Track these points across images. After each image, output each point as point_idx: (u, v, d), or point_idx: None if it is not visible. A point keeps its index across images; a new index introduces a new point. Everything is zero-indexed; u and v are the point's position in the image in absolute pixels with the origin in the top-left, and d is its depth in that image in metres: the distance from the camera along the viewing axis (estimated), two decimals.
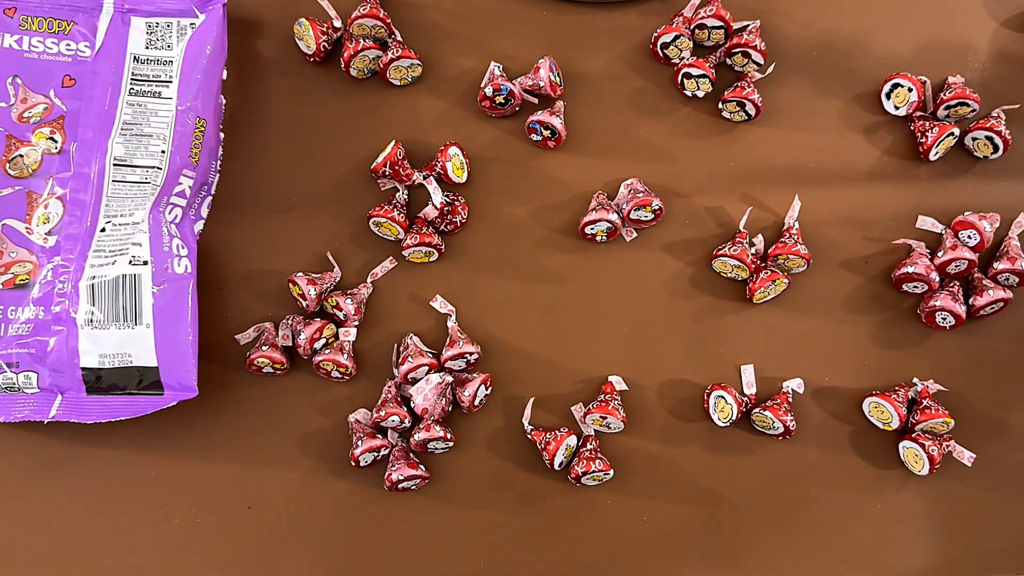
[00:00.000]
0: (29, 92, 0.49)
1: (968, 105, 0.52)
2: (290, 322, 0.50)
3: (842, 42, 0.54)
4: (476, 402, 0.49)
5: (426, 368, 0.49)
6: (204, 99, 0.49)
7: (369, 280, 0.51)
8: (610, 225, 0.50)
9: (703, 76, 0.52)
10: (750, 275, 0.51)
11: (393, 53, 0.51)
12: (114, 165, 0.48)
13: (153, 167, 0.48)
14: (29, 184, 0.49)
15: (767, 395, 0.50)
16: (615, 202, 0.52)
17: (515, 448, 0.50)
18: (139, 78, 0.50)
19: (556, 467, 0.49)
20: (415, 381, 0.49)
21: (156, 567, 0.48)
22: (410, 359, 0.49)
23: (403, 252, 0.51)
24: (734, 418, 0.49)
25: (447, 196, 0.51)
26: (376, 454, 0.48)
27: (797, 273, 0.51)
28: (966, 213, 0.51)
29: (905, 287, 0.51)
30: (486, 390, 0.49)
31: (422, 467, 0.48)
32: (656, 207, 0.50)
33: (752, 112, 0.52)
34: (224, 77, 0.51)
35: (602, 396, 0.49)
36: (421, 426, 0.48)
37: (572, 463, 0.49)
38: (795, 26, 0.54)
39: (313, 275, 0.50)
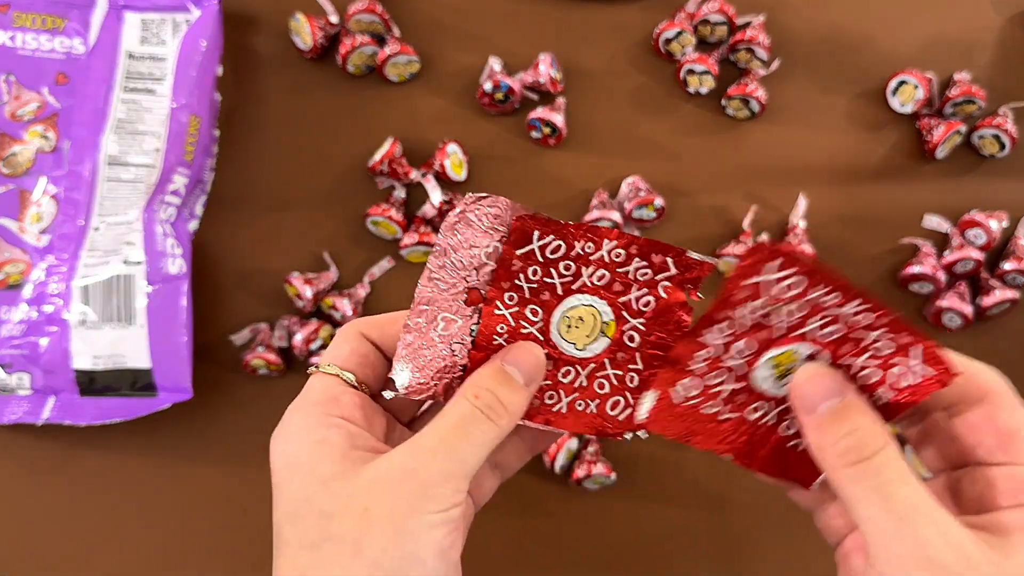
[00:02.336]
0: (22, 90, 0.49)
1: (974, 102, 0.51)
2: (286, 323, 0.49)
3: (847, 38, 0.54)
4: None
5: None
6: (199, 96, 0.49)
7: (366, 280, 0.50)
8: (612, 224, 0.49)
9: (706, 72, 0.51)
10: None
11: (391, 49, 0.51)
12: (108, 163, 0.48)
13: (147, 165, 0.48)
14: (22, 182, 0.48)
15: None
16: (617, 200, 0.51)
17: None
18: (133, 75, 0.49)
19: (557, 471, 0.48)
20: None
21: (151, 570, 0.48)
22: None
23: (401, 251, 0.50)
24: None
25: (446, 194, 0.50)
26: None
27: None
28: (973, 212, 0.50)
29: (911, 287, 0.51)
30: None
31: None
32: (658, 206, 0.50)
33: (756, 109, 0.52)
34: (219, 73, 0.51)
35: None
36: None
37: (573, 467, 0.48)
38: (800, 22, 0.54)
39: (310, 275, 0.49)
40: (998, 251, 0.51)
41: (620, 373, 0.30)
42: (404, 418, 0.32)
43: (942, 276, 0.49)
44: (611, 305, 0.29)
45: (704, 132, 0.53)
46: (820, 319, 0.27)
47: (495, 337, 0.29)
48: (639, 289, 0.29)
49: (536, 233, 0.29)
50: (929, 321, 0.51)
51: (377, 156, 0.49)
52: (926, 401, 0.28)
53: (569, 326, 0.30)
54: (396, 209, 0.50)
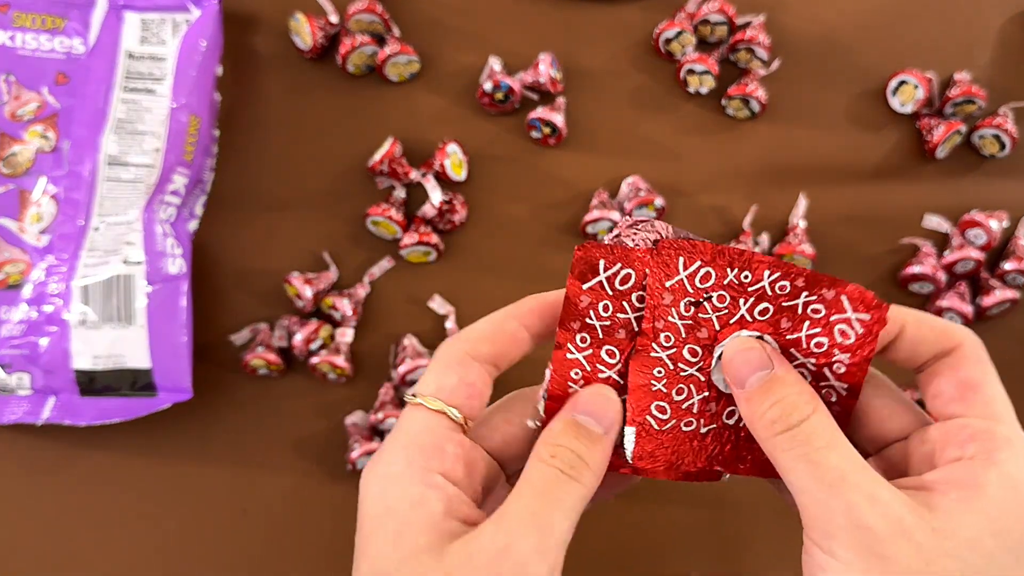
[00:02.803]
0: (22, 90, 0.49)
1: (974, 102, 0.51)
2: (286, 323, 0.49)
3: (847, 38, 0.54)
4: None
5: (424, 370, 0.48)
6: (199, 96, 0.49)
7: (366, 280, 0.50)
8: (612, 224, 0.49)
9: (706, 72, 0.51)
10: None
11: (391, 49, 0.51)
12: (108, 163, 0.48)
13: (147, 165, 0.48)
14: (22, 182, 0.48)
15: None
16: (617, 200, 0.51)
17: None
18: (133, 75, 0.49)
19: None
20: (413, 383, 0.49)
21: (151, 570, 0.47)
22: (408, 360, 0.48)
23: (401, 251, 0.50)
24: None
25: (446, 194, 0.50)
26: None
27: None
28: (973, 211, 0.50)
29: (911, 287, 0.51)
30: None
31: None
32: (659, 206, 0.50)
33: (756, 109, 0.52)
34: (219, 73, 0.51)
35: None
36: None
37: None
38: (800, 21, 0.54)
39: (309, 275, 0.49)
40: (998, 251, 0.51)
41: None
42: (511, 466, 0.29)
43: (942, 276, 0.49)
44: None
45: (704, 132, 0.53)
46: (747, 302, 0.26)
47: (570, 385, 0.27)
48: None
49: (602, 263, 0.26)
50: None
51: (377, 156, 0.49)
52: (903, 360, 0.27)
53: None
54: (396, 209, 0.50)
